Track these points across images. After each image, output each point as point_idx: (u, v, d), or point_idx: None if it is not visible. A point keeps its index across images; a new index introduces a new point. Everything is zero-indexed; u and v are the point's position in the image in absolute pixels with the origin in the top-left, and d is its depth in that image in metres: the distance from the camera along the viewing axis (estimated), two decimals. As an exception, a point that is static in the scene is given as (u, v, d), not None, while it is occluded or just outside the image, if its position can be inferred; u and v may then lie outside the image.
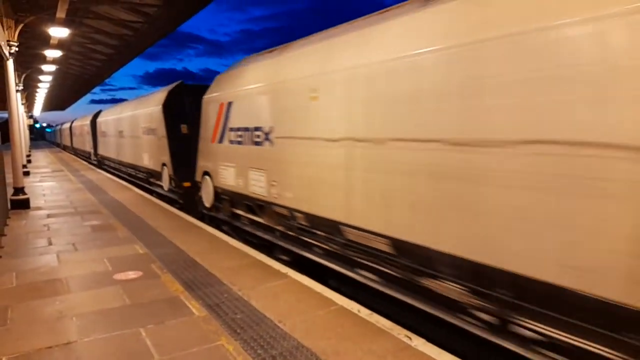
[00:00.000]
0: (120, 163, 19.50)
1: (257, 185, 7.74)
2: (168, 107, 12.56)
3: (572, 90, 3.17)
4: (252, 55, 8.81)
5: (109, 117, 21.81)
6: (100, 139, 24.36)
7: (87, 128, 27.26)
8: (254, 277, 5.54)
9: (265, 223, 7.74)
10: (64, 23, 13.15)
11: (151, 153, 14.43)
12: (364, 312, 4.42)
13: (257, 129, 7.62)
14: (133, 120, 16.51)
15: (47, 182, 16.48)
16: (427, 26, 4.54)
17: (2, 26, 10.53)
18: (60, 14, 12.17)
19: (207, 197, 9.98)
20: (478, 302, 4.00)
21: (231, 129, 8.60)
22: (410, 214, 4.60)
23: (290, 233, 7.05)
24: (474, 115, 3.86)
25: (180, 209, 11.17)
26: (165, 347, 3.80)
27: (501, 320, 3.85)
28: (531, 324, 3.57)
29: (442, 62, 4.19)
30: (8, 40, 10.86)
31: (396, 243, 4.83)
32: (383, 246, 5.06)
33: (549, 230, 3.32)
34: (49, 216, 9.82)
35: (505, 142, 3.60)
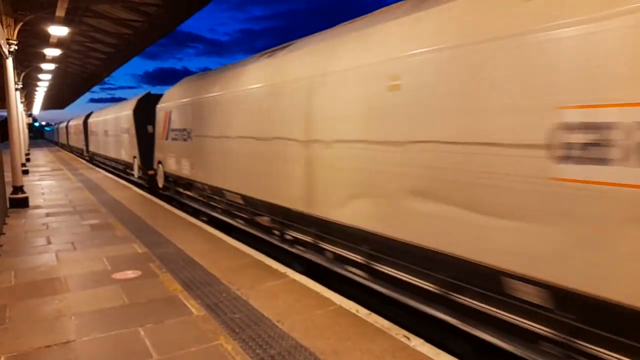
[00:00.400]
0: (106, 157, 22.66)
1: (186, 169, 11.00)
2: (137, 112, 15.73)
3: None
4: (186, 77, 12.24)
5: (98, 118, 24.88)
6: (90, 137, 27.58)
7: (80, 127, 30.61)
8: (253, 277, 5.54)
9: (193, 195, 11.03)
10: (64, 22, 13.14)
11: (126, 148, 17.70)
12: (363, 312, 4.43)
13: (184, 130, 10.97)
14: (114, 122, 19.73)
15: (46, 181, 16.48)
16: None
17: (2, 24, 10.52)
18: (60, 12, 12.16)
19: (160, 180, 13.30)
20: (272, 224, 7.40)
21: (172, 130, 11.87)
22: (249, 179, 7.84)
23: (204, 200, 10.37)
24: (267, 127, 7.14)
25: (147, 190, 14.19)
26: (163, 346, 3.80)
27: (280, 233, 7.21)
28: (289, 234, 6.91)
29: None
30: (7, 39, 10.85)
31: (244, 197, 8.10)
32: (239, 200, 8.34)
33: (275, 180, 6.93)
34: (48, 215, 9.82)
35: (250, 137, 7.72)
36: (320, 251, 6.10)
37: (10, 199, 10.60)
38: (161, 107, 12.87)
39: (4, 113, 50.50)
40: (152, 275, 5.71)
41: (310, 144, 5.95)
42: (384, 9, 5.51)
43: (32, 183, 15.51)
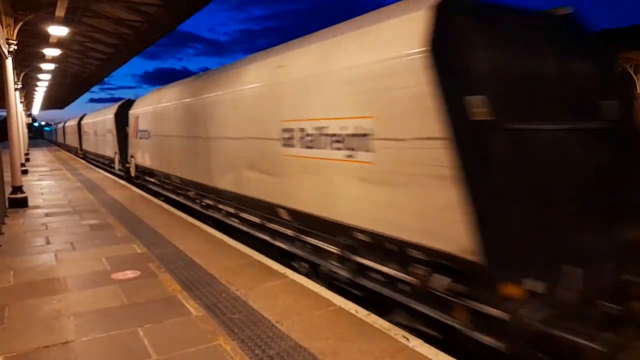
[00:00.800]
0: (95, 154, 26.19)
1: (148, 161, 13.97)
2: (117, 116, 18.80)
3: None
4: (151, 90, 16.32)
5: (88, 120, 28.30)
6: (83, 137, 30.99)
7: (75, 128, 34.51)
8: (252, 277, 5.54)
9: (154, 181, 13.87)
10: (63, 21, 13.14)
11: (109, 146, 21.04)
12: (362, 313, 4.43)
13: (146, 130, 13.82)
14: (101, 124, 23.01)
15: (45, 181, 16.47)
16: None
17: (2, 24, 10.51)
18: (60, 12, 12.16)
19: (132, 171, 16.25)
20: (196, 195, 10.24)
21: (139, 131, 14.71)
22: (182, 166, 10.78)
23: (160, 184, 13.28)
24: (190, 128, 10.09)
25: (125, 179, 17.28)
26: (162, 346, 3.80)
27: (200, 201, 10.12)
28: (204, 201, 9.90)
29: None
30: (7, 39, 10.85)
31: (181, 179, 10.97)
32: (179, 181, 11.26)
33: (195, 165, 9.80)
34: (47, 215, 9.81)
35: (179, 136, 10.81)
36: (219, 210, 9.04)
37: (10, 199, 10.59)
38: (132, 112, 15.94)
39: (3, 113, 50.49)
40: (151, 275, 5.71)
41: (207, 140, 9.07)
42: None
43: (32, 183, 15.51)
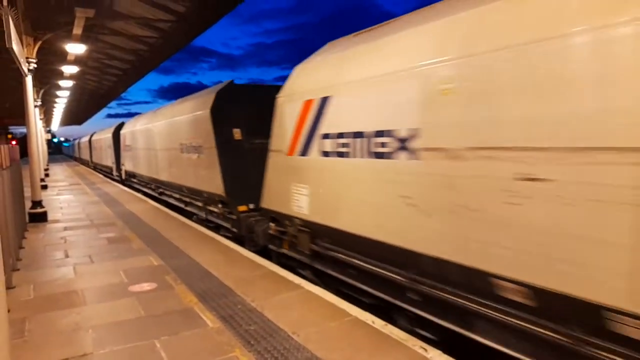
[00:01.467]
0: (101, 165, 31.97)
1: (132, 167, 19.64)
2: (114, 135, 24.05)
3: None
4: (136, 115, 21.93)
5: (96, 137, 34.93)
6: (93, 151, 37.29)
7: (87, 144, 41.50)
8: (267, 288, 5.54)
9: (136, 181, 19.54)
10: (81, 39, 13.46)
11: (110, 158, 26.72)
12: (379, 324, 4.39)
13: (129, 145, 19.76)
14: (103, 141, 29.66)
15: (64, 196, 16.76)
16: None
17: (22, 44, 10.80)
18: (77, 30, 12.47)
19: (123, 175, 21.90)
20: (157, 188, 16.25)
21: (125, 145, 20.74)
22: (150, 168, 16.18)
23: (140, 183, 18.74)
24: (151, 143, 16.07)
25: (120, 182, 22.74)
26: (179, 358, 3.81)
27: (158, 192, 16.32)
28: (159, 191, 16.07)
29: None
30: (27, 57, 11.13)
31: (150, 178, 16.50)
32: (149, 180, 16.87)
33: (156, 168, 15.61)
34: (65, 229, 9.97)
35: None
36: (163, 195, 14.76)
37: (30, 213, 10.79)
38: (122, 132, 21.81)
39: (23, 129, 51.60)
40: (167, 287, 5.74)
41: (156, 150, 14.60)
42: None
43: (51, 198, 15.78)
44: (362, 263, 5.29)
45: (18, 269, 6.68)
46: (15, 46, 8.12)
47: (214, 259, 7.05)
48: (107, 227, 10.06)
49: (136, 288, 5.72)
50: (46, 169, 28.44)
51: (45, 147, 34.07)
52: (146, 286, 5.78)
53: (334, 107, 5.57)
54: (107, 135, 27.37)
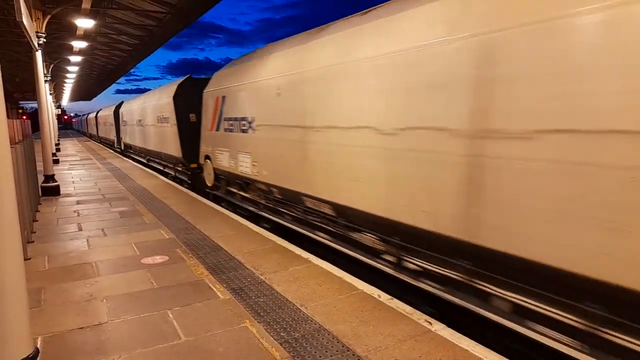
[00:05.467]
0: (106, 139, 36.07)
1: (130, 140, 23.69)
2: (115, 112, 27.76)
3: None
4: (125, 101, 27.66)
5: (101, 114, 38.79)
6: (99, 126, 41.19)
7: (94, 120, 45.64)
8: (276, 262, 5.64)
9: (133, 152, 23.60)
10: (90, 14, 13.40)
11: (112, 132, 30.56)
12: (384, 297, 4.47)
13: (125, 121, 24.95)
14: (108, 117, 32.84)
15: (75, 170, 16.95)
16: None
17: (31, 18, 10.78)
18: (86, 4, 12.41)
19: (122, 146, 26.58)
20: (157, 160, 19.62)
21: (123, 121, 25.51)
22: (148, 143, 19.13)
23: (138, 154, 22.38)
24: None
25: (120, 152, 26.92)
26: (191, 328, 3.92)
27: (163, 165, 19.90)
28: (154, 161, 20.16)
29: None
30: (36, 32, 11.12)
31: (147, 150, 19.82)
32: (146, 151, 20.01)
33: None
34: (78, 202, 10.13)
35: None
36: (151, 161, 18.90)
37: (42, 187, 10.97)
38: (120, 110, 26.32)
39: (34, 104, 51.93)
40: (179, 260, 5.86)
41: (143, 126, 19.20)
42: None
43: (63, 172, 15.98)
44: (242, 193, 9.57)
45: (32, 241, 6.83)
46: (25, 20, 8.13)
47: (224, 233, 7.15)
48: (119, 201, 10.20)
49: (148, 260, 5.85)
50: (57, 144, 28.71)
51: (55, 122, 34.29)
52: (158, 259, 5.91)
53: (227, 102, 9.74)
54: (108, 113, 32.64)
